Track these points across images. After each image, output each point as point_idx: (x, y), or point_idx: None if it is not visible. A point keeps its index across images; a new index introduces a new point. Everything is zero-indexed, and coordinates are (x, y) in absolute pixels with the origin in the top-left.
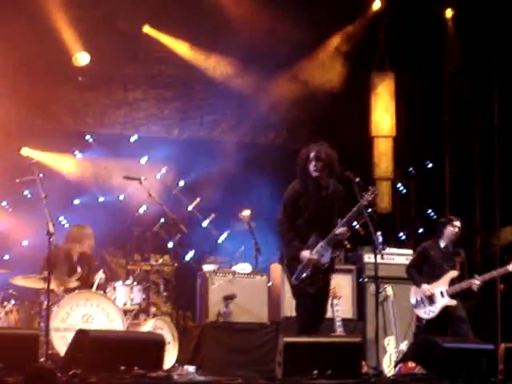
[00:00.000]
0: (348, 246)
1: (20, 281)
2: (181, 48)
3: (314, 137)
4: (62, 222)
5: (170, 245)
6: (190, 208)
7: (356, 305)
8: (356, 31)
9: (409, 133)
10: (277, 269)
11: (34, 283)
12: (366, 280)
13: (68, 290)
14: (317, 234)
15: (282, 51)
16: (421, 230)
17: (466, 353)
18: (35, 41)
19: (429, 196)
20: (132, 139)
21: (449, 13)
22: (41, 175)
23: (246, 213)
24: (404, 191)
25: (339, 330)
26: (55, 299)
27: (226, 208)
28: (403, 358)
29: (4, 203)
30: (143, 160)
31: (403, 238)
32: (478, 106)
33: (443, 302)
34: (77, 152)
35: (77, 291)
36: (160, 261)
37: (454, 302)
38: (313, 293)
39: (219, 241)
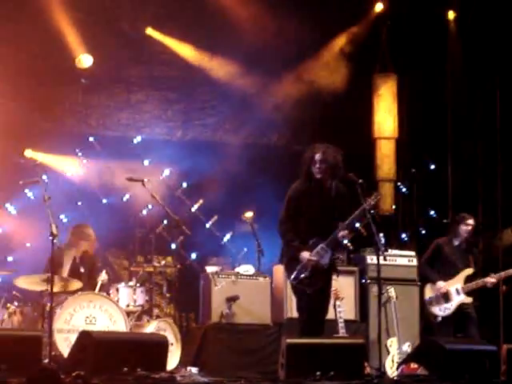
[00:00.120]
0: (350, 247)
1: (23, 283)
2: (184, 50)
3: (316, 138)
4: (66, 224)
5: (173, 246)
6: (193, 209)
7: (358, 306)
8: (359, 33)
9: (411, 134)
10: (279, 270)
11: (37, 285)
12: (368, 281)
13: (71, 292)
14: (318, 235)
15: (285, 53)
16: (423, 232)
17: (469, 354)
18: (39, 43)
19: (431, 198)
20: (135, 141)
21: (451, 15)
22: (44, 177)
23: (249, 214)
24: (406, 191)
25: (342, 332)
26: (58, 301)
27: (229, 209)
28: (406, 359)
29: (8, 205)
30: (146, 162)
31: (406, 239)
32: (481, 107)
33: (459, 299)
34: (80, 154)
35: (80, 293)
36: (163, 262)
37: (470, 299)
38: (311, 293)
39: (222, 242)
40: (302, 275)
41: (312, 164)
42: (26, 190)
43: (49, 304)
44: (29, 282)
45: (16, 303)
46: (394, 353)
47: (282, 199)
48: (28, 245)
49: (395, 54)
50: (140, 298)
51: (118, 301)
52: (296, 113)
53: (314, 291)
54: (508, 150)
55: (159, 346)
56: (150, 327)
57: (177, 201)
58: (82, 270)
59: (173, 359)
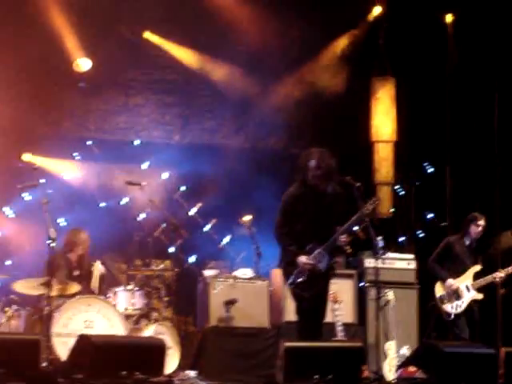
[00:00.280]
0: (349, 250)
1: (21, 287)
2: (182, 53)
3: (314, 141)
4: (64, 228)
5: (172, 250)
6: (191, 213)
7: (357, 309)
8: (357, 36)
9: (409, 138)
10: (278, 274)
11: (35, 289)
12: (366, 285)
13: (69, 295)
14: (315, 239)
15: (283, 57)
16: (421, 235)
17: (467, 357)
18: (37, 47)
19: (430, 201)
20: (135, 143)
21: (449, 18)
22: (42, 181)
23: (247, 218)
24: (403, 194)
25: (340, 335)
26: (56, 305)
27: (227, 213)
28: (404, 363)
29: (6, 208)
30: (145, 165)
31: (404, 242)
32: (479, 110)
33: (470, 295)
34: (78, 157)
35: (78, 297)
36: (161, 266)
37: (480, 296)
38: (309, 297)
39: (220, 246)
40: (300, 279)
41: (307, 170)
42: (25, 194)
43: (47, 308)
44: (27, 287)
45: (14, 307)
46: (392, 356)
47: (280, 203)
48: (26, 248)
49: (393, 57)
50: (138, 301)
51: (116, 304)
52: (294, 116)
53: (311, 295)
54: (506, 153)
55: (157, 350)
56: (149, 331)
57: (175, 204)
58: (79, 273)
59: (171, 363)
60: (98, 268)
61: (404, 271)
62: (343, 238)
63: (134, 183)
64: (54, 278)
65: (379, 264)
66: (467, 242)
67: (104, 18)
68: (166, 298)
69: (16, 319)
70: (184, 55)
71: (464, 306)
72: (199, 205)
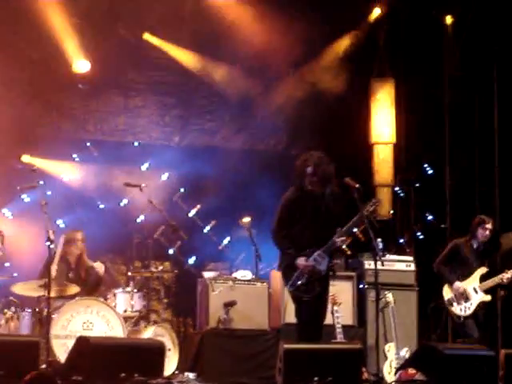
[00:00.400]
0: (348, 252)
1: (20, 290)
2: (181, 55)
3: (314, 143)
4: (63, 229)
5: (171, 251)
6: (190, 215)
7: (356, 311)
8: (356, 38)
9: (409, 139)
10: (277, 275)
11: (34, 291)
12: (366, 286)
13: (68, 296)
14: (313, 243)
15: (283, 59)
16: (421, 237)
17: (467, 359)
18: (36, 48)
19: (429, 203)
20: (133, 146)
21: (449, 19)
22: (41, 182)
23: (247, 220)
24: (403, 195)
25: (339, 337)
26: (56, 306)
27: (226, 215)
28: (404, 365)
29: (5, 210)
30: (144, 167)
31: (404, 244)
32: (478, 111)
33: (478, 297)
34: (77, 159)
35: (77, 298)
36: (160, 268)
37: (488, 297)
38: (309, 300)
39: (220, 247)
40: (299, 282)
41: (303, 176)
42: (24, 196)
43: (46, 310)
44: (26, 289)
45: (13, 309)
46: (392, 358)
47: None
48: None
49: (393, 59)
50: (137, 303)
51: (115, 306)
52: (294, 118)
53: (311, 297)
54: (506, 155)
55: (156, 352)
56: (148, 333)
57: (174, 206)
58: (77, 274)
59: (170, 365)
60: (98, 266)
61: (403, 273)
62: (342, 239)
63: (133, 185)
64: (53, 279)
65: (379, 266)
66: (475, 245)
67: (103, 20)
68: (165, 300)
69: (15, 321)
70: (184, 56)
71: (473, 308)
72: (199, 206)
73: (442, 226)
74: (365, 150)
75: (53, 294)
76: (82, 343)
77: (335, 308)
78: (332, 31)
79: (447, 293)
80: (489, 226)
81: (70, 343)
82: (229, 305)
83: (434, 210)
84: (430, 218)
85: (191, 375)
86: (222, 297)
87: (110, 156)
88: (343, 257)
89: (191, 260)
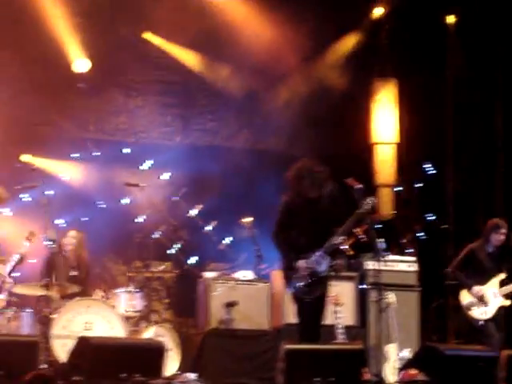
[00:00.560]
0: (350, 252)
1: (21, 289)
2: (182, 54)
3: (315, 143)
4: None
5: (172, 251)
6: (191, 214)
7: (358, 312)
8: (358, 38)
9: (411, 139)
10: (278, 276)
11: (35, 290)
12: (367, 287)
13: (68, 296)
14: (313, 245)
15: (283, 59)
16: (423, 237)
17: (468, 360)
18: (36, 47)
19: (431, 203)
20: (133, 146)
21: (451, 19)
22: (41, 182)
23: (248, 220)
24: (404, 196)
25: (341, 337)
26: (56, 306)
27: (228, 214)
28: (405, 366)
29: (5, 209)
30: (145, 166)
31: (406, 244)
32: (481, 112)
33: (498, 302)
34: (78, 158)
35: (78, 298)
36: (161, 267)
37: (508, 302)
38: (310, 301)
39: (221, 247)
40: (300, 284)
41: (298, 186)
42: (24, 195)
43: (46, 310)
44: (27, 288)
45: (14, 308)
46: (394, 359)
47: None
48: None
49: (395, 59)
50: (138, 303)
51: (115, 306)
52: (295, 118)
53: (312, 298)
54: (508, 156)
55: (157, 352)
56: (148, 333)
57: (175, 206)
58: (77, 273)
59: (171, 365)
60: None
61: (405, 273)
62: (341, 239)
63: (133, 184)
64: (53, 278)
65: (380, 266)
66: (489, 250)
67: (104, 19)
68: (166, 300)
69: (15, 321)
70: (185, 56)
71: (492, 311)
72: (200, 206)
73: (444, 226)
74: (366, 150)
75: (53, 294)
76: (83, 343)
77: (337, 308)
78: (334, 31)
79: (465, 297)
80: (503, 230)
81: (71, 343)
82: (230, 305)
83: (435, 210)
84: (431, 218)
85: (192, 375)
86: (223, 297)
87: (110, 155)
88: (345, 257)
89: (192, 260)
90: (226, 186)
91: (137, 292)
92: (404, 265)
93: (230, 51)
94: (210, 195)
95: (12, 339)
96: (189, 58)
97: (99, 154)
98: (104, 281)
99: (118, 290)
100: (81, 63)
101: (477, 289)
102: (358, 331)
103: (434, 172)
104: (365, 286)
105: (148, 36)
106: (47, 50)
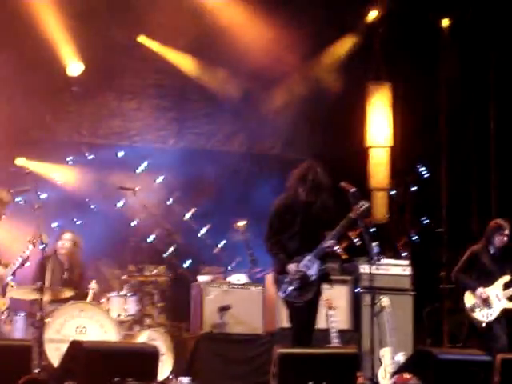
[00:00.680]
0: (343, 256)
1: (14, 293)
2: (177, 58)
3: (310, 146)
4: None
5: (165, 255)
6: (185, 218)
7: (352, 316)
8: (352, 41)
9: (405, 143)
10: (272, 280)
11: (28, 294)
12: (361, 291)
13: (62, 300)
14: (304, 249)
15: (278, 62)
16: (417, 241)
17: (462, 364)
18: (30, 51)
19: (425, 206)
20: (127, 149)
21: (445, 22)
22: (35, 185)
23: (242, 223)
24: (399, 199)
25: (335, 341)
26: (49, 310)
27: (222, 218)
28: (399, 370)
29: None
30: (139, 170)
31: (400, 248)
32: (475, 115)
33: (501, 304)
34: (72, 162)
35: (71, 302)
36: (155, 271)
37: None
38: (301, 305)
39: (214, 251)
40: (291, 288)
41: (300, 184)
42: (17, 199)
43: (39, 313)
44: (20, 292)
45: (6, 312)
46: (388, 363)
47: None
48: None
49: (389, 62)
50: (131, 307)
51: (109, 310)
52: (290, 121)
53: (303, 302)
54: (502, 158)
55: (150, 356)
56: (142, 337)
57: (169, 209)
58: (70, 276)
59: (164, 369)
60: (93, 285)
61: (399, 277)
62: (332, 243)
63: (127, 188)
64: (47, 281)
65: (374, 270)
66: (492, 251)
67: (98, 22)
68: (159, 304)
69: (8, 324)
70: (180, 59)
71: (495, 314)
72: (194, 210)
73: (438, 229)
74: (360, 153)
75: (47, 298)
76: (76, 347)
77: (330, 312)
78: (329, 35)
79: (469, 300)
80: (507, 231)
81: (64, 347)
82: (223, 309)
83: (430, 213)
84: (425, 221)
85: (185, 379)
86: (216, 301)
87: (104, 159)
88: (339, 261)
89: (186, 264)
90: (221, 190)
91: (130, 296)
92: (398, 268)
93: (225, 55)
94: (205, 199)
95: (5, 343)
96: (184, 61)
97: (93, 157)
98: (98, 284)
99: (111, 294)
100: (75, 67)
101: (481, 290)
102: (352, 335)
103: (428, 175)
104: (359, 290)
105: (143, 39)
106: (41, 53)
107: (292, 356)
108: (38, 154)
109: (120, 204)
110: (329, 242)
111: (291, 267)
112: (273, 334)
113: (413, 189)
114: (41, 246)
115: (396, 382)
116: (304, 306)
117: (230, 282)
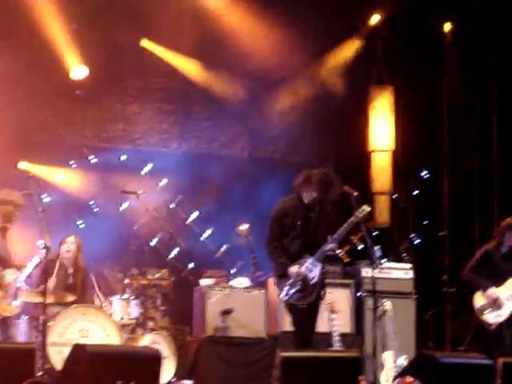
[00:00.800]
0: (345, 259)
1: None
2: (179, 61)
3: (312, 150)
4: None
5: (168, 259)
6: (188, 222)
7: (354, 319)
8: (355, 45)
9: (407, 147)
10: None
11: (31, 297)
12: (363, 294)
13: (66, 304)
14: (305, 252)
15: (281, 66)
16: (419, 245)
17: (464, 368)
18: (34, 54)
19: (427, 210)
20: (130, 152)
21: (447, 27)
22: (36, 188)
23: (245, 227)
24: (401, 203)
25: (337, 345)
26: (52, 314)
27: (224, 222)
28: (401, 373)
29: None
30: (141, 174)
31: (402, 251)
32: (477, 119)
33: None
34: (74, 165)
35: (74, 306)
36: (157, 275)
37: None
38: (303, 308)
39: (217, 255)
40: (292, 290)
41: (305, 191)
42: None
43: (42, 317)
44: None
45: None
46: (390, 366)
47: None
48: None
49: (392, 66)
50: (134, 310)
51: (111, 314)
52: (292, 125)
53: (305, 305)
54: (504, 162)
55: (153, 360)
56: (145, 340)
57: (172, 213)
58: (74, 280)
59: (167, 372)
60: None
61: (401, 281)
62: (333, 246)
63: (130, 192)
64: (51, 285)
65: (376, 274)
66: (503, 250)
67: (101, 26)
68: (162, 308)
69: (12, 328)
70: (183, 63)
71: (506, 315)
72: (196, 213)
73: (441, 233)
74: (363, 157)
75: (50, 301)
76: (79, 351)
77: (333, 316)
78: (331, 39)
79: (479, 300)
80: None
81: (67, 351)
82: (226, 312)
83: (432, 217)
84: (428, 225)
85: (188, 383)
86: (218, 304)
87: (107, 162)
88: (341, 264)
89: (189, 267)
90: (223, 193)
91: (133, 299)
92: (400, 272)
93: (228, 58)
94: (207, 202)
95: (8, 346)
96: (187, 64)
97: (96, 160)
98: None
99: (114, 298)
100: (79, 70)
101: (491, 291)
102: (354, 339)
103: (430, 179)
104: (361, 294)
105: (146, 43)
106: (45, 56)
107: (294, 360)
108: (41, 158)
109: (123, 207)
110: (330, 246)
111: (292, 270)
112: (275, 338)
113: (415, 192)
114: (43, 250)
115: None
116: (305, 308)
117: (232, 286)
